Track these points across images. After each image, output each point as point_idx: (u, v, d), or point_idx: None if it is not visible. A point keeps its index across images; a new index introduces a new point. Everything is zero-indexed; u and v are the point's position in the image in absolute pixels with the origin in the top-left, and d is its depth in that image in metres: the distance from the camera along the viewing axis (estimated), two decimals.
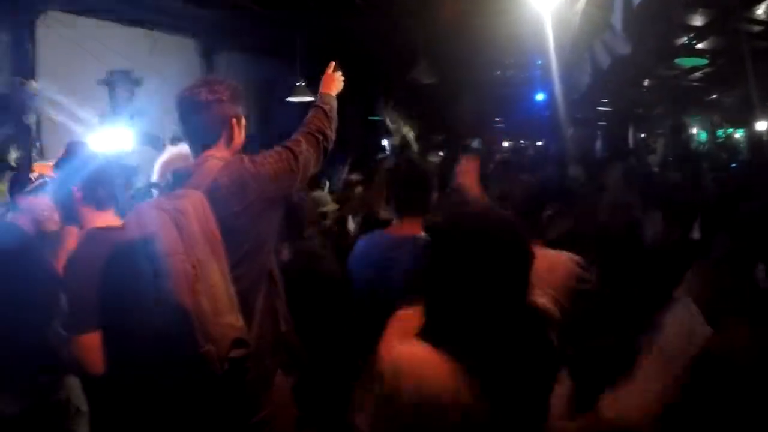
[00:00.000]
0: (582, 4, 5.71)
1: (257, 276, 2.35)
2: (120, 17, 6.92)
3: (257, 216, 2.31)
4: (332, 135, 2.65)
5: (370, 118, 11.78)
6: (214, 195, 2.21)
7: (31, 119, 6.07)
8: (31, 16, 6.07)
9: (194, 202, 2.13)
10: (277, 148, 2.43)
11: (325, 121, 2.62)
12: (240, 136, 2.45)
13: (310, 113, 2.66)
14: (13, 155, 5.95)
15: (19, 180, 3.70)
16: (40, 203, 3.44)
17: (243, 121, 2.47)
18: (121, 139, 6.43)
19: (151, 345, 2.08)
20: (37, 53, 6.17)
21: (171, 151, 3.48)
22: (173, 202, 2.12)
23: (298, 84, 8.15)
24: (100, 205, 2.63)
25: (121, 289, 2.24)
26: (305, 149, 2.46)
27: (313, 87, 3.91)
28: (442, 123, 12.73)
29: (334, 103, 2.75)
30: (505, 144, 15.57)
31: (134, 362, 2.21)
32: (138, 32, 7.23)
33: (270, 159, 2.37)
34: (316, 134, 2.56)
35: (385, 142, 11.74)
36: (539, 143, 14.78)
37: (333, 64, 2.88)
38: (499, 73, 12.39)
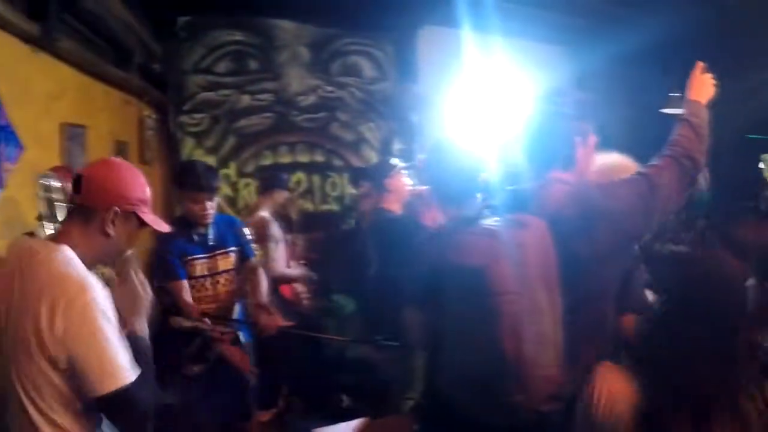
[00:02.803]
0: None
1: (592, 326, 2.05)
2: (491, 30, 7.31)
3: (604, 257, 2.01)
4: (702, 159, 2.12)
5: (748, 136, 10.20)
6: (557, 227, 1.98)
7: (413, 118, 6.79)
8: (412, 30, 6.84)
9: (536, 235, 1.95)
10: (634, 177, 2.10)
11: (694, 141, 2.10)
12: (587, 157, 2.18)
13: (676, 129, 2.16)
14: (396, 147, 6.80)
15: (383, 165, 4.21)
16: (403, 184, 3.91)
17: (592, 139, 2.19)
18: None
19: (467, 374, 1.99)
20: (417, 61, 6.90)
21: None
22: (513, 232, 1.96)
23: (672, 94, 7.58)
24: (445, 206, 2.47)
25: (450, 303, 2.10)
26: (667, 179, 2.04)
27: None
28: None
29: (705, 115, 2.18)
30: None
31: (451, 382, 2.10)
32: (507, 42, 7.54)
33: (623, 190, 2.05)
34: (682, 159, 2.07)
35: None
36: None
37: (701, 64, 2.31)
38: None
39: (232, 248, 3.35)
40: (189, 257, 3.24)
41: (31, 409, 1.62)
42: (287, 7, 6.17)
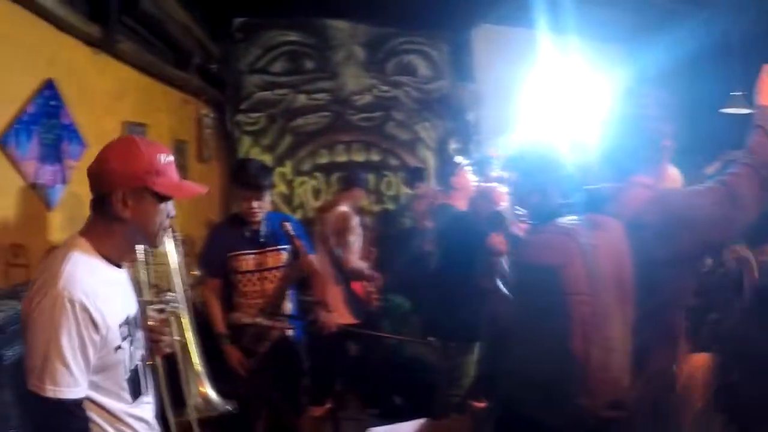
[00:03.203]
0: None
1: (661, 335, 2.01)
2: (547, 28, 7.18)
3: (682, 265, 1.98)
4: None
5: None
6: (636, 233, 1.93)
7: (469, 117, 6.75)
8: (467, 29, 6.78)
9: (611, 238, 1.91)
10: (713, 185, 2.04)
11: None
12: (667, 160, 2.14)
13: (752, 137, 2.06)
14: (453, 146, 6.80)
15: (448, 165, 4.19)
16: (469, 181, 3.90)
17: (669, 143, 2.13)
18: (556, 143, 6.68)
19: (531, 373, 1.96)
20: (473, 60, 6.85)
21: None
22: (588, 233, 1.91)
23: (733, 93, 7.25)
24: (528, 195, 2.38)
25: (522, 301, 2.11)
26: (746, 189, 1.96)
27: None
28: None
29: None
30: None
31: (514, 380, 2.08)
32: (563, 40, 7.40)
33: (704, 199, 1.98)
34: (761, 169, 1.98)
35: None
36: None
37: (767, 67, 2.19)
38: None
39: (284, 246, 3.38)
40: (237, 252, 3.30)
41: None
42: (342, 7, 6.22)
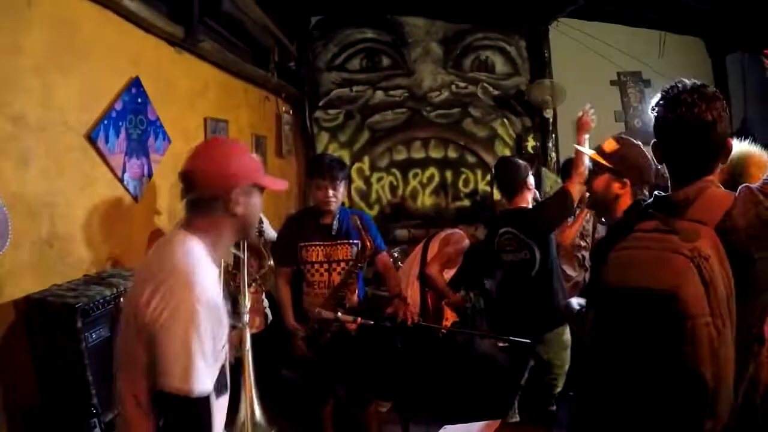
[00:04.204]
0: None
1: (747, 344, 1.90)
2: (628, 20, 7.02)
3: None
4: None
5: None
6: (725, 237, 1.82)
7: (548, 114, 6.64)
8: (544, 23, 6.68)
9: (712, 246, 1.78)
10: None
11: None
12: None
13: None
14: (531, 144, 6.74)
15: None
16: (531, 183, 3.84)
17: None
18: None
19: (647, 403, 1.84)
20: (550, 55, 6.76)
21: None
22: (692, 245, 1.78)
23: None
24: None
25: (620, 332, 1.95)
26: None
27: None
28: None
29: None
30: None
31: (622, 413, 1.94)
32: (646, 33, 7.21)
33: None
34: None
35: None
36: None
37: None
38: None
39: (355, 241, 3.45)
40: (308, 243, 3.40)
41: (121, 384, 1.64)
42: (418, 3, 6.27)
